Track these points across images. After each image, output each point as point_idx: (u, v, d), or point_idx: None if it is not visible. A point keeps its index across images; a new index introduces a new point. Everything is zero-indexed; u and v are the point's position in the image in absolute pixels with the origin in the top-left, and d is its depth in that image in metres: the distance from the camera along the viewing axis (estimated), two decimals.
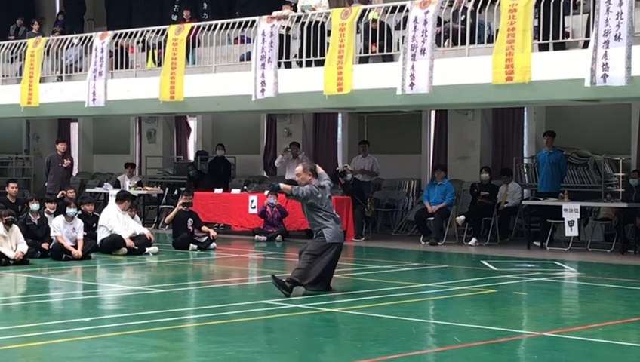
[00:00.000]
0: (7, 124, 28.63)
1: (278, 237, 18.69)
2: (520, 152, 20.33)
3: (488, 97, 15.22)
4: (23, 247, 14.36)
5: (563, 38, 14.58)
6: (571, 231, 16.63)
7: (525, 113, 20.29)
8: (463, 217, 18.46)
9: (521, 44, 14.17)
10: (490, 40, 15.03)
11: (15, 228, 14.45)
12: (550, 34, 14.46)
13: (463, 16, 15.34)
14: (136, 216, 17.16)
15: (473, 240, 18.05)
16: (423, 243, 18.28)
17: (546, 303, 11.50)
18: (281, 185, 11.59)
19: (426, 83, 14.95)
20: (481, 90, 14.83)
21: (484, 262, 15.25)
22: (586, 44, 14.10)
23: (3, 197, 17.23)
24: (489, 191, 18.45)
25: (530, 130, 20.36)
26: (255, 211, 19.34)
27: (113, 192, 18.54)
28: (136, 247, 15.87)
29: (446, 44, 15.86)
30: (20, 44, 21.38)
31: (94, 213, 16.59)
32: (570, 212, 16.52)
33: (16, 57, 21.75)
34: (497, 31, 14.62)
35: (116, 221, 16.09)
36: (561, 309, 11.34)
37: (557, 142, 17.97)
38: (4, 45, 21.81)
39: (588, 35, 14.12)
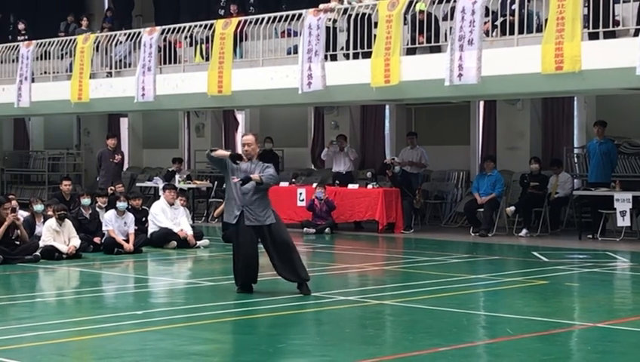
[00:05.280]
0: (58, 120, 28.98)
1: (327, 230, 18.70)
2: (570, 142, 20.12)
3: (538, 87, 15.08)
4: (76, 242, 14.54)
5: (613, 27, 14.40)
6: (623, 222, 16.44)
7: (575, 102, 20.06)
8: (513, 208, 18.33)
9: (570, 32, 14.02)
10: (539, 29, 14.88)
11: (68, 222, 14.63)
12: (600, 22, 14.28)
13: (513, 6, 15.20)
14: (186, 208, 17.26)
15: (524, 231, 17.91)
16: (472, 234, 18.19)
17: (598, 294, 11.39)
18: (252, 175, 10.75)
19: (474, 73, 14.85)
20: (530, 79, 14.71)
21: (535, 253, 15.14)
22: (636, 32, 13.93)
23: (57, 192, 17.46)
24: (539, 181, 18.29)
25: (580, 119, 20.14)
26: (303, 204, 19.36)
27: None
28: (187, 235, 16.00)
29: (494, 34, 15.73)
30: (70, 40, 21.60)
31: (143, 207, 16.74)
32: (622, 202, 16.33)
33: (66, 54, 21.97)
34: (546, 20, 14.47)
35: (162, 215, 16.20)
36: (613, 300, 11.22)
37: (608, 131, 17.74)
38: (54, 42, 22.05)
39: (639, 22, 13.92)
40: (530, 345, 8.40)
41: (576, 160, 19.67)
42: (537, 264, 14.04)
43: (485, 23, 15.34)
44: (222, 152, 11.09)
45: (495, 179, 18.44)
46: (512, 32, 15.17)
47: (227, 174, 10.91)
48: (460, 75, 14.99)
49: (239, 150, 24.56)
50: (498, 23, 15.67)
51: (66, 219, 14.64)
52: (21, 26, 24.75)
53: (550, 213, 18.25)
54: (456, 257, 15.12)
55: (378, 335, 8.98)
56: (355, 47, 16.95)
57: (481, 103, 20.89)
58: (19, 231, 13.99)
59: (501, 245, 16.83)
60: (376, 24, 16.49)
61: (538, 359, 7.89)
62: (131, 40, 20.62)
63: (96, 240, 15.41)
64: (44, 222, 14.81)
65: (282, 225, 11.11)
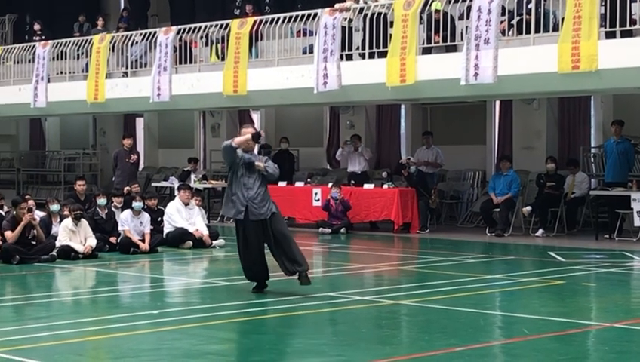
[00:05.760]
0: (74, 120, 29.08)
1: (343, 230, 18.69)
2: (587, 142, 20.04)
3: (554, 86, 15.04)
4: (92, 241, 14.57)
5: (630, 26, 14.32)
6: None
7: (592, 102, 19.99)
8: (529, 208, 18.27)
9: (587, 31, 13.97)
10: (556, 28, 14.83)
11: (84, 222, 14.67)
12: (617, 21, 14.22)
13: (529, 5, 15.15)
14: (201, 208, 17.28)
15: (540, 231, 17.85)
16: (488, 234, 18.14)
17: (615, 294, 11.34)
18: (257, 163, 10.75)
19: (491, 73, 14.81)
20: (546, 79, 14.66)
21: (551, 253, 15.08)
22: None
23: (73, 192, 17.51)
24: (555, 181, 18.23)
25: (597, 119, 20.06)
26: (319, 204, 19.35)
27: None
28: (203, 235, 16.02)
29: (511, 33, 15.69)
30: (86, 40, 21.66)
31: (159, 207, 16.76)
32: (639, 202, 16.24)
33: (82, 54, 22.04)
34: (563, 19, 14.42)
35: (177, 215, 16.22)
36: (631, 300, 11.17)
37: (625, 131, 17.66)
38: (70, 42, 22.12)
39: None
40: (546, 345, 8.36)
41: (592, 159, 19.59)
42: (554, 264, 13.99)
43: (501, 22, 15.30)
44: (243, 137, 10.83)
45: (511, 178, 18.39)
46: (528, 31, 15.13)
47: (234, 168, 10.80)
48: (476, 75, 14.96)
49: (255, 150, 24.68)
50: (514, 22, 15.63)
51: (82, 219, 14.68)
52: (37, 27, 24.85)
53: (567, 212, 18.18)
54: (472, 257, 15.08)
55: (394, 335, 8.96)
56: (370, 47, 16.93)
57: (497, 103, 20.84)
58: (35, 231, 14.03)
59: (517, 245, 16.77)
60: (392, 23, 16.47)
61: (555, 359, 7.86)
62: (147, 40, 20.66)
63: (112, 240, 15.44)
64: (60, 222, 14.85)
65: (281, 216, 11.08)
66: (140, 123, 27.84)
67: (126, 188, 17.90)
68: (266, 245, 10.95)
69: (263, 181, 10.82)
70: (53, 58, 22.38)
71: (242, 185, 10.72)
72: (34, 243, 14.04)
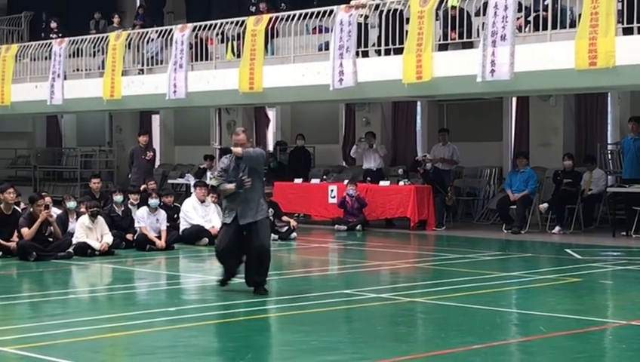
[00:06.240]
0: (90, 117, 29.16)
1: (359, 227, 18.67)
2: (604, 138, 19.95)
3: (571, 83, 14.97)
4: (108, 238, 14.61)
5: None
6: None
7: (609, 98, 19.89)
8: (546, 205, 18.20)
9: (604, 28, 13.89)
10: (573, 25, 14.76)
11: (100, 219, 14.71)
12: (634, 17, 14.13)
13: (546, 2, 15.08)
14: (217, 205, 17.28)
15: (557, 228, 17.78)
16: (505, 231, 18.09)
17: (632, 292, 11.29)
18: (243, 180, 10.52)
19: (507, 69, 14.75)
20: (563, 75, 14.59)
21: (568, 251, 15.03)
22: None
23: (89, 189, 17.56)
24: (572, 178, 18.15)
25: (614, 115, 19.96)
26: (335, 201, 19.35)
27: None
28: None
29: (527, 29, 15.62)
30: (102, 38, 21.70)
31: (175, 204, 16.79)
32: None
33: (98, 51, 22.08)
34: (580, 15, 14.35)
35: (193, 212, 16.24)
36: None
37: None
38: (86, 39, 22.17)
39: None
40: (563, 342, 8.34)
41: (609, 156, 19.50)
42: (570, 261, 13.94)
43: (518, 18, 15.24)
44: (229, 186, 10.68)
45: (528, 175, 18.33)
46: (545, 28, 15.05)
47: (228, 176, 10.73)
48: (493, 71, 14.90)
49: (270, 147, 24.72)
50: (531, 18, 15.56)
51: (99, 216, 14.72)
52: (53, 24, 24.91)
53: (583, 209, 18.11)
54: (489, 254, 15.04)
55: (410, 332, 8.95)
56: (386, 44, 16.89)
57: (514, 99, 20.77)
58: (52, 228, 14.09)
59: (534, 242, 16.72)
60: (407, 20, 16.42)
61: (571, 357, 7.83)
62: (163, 37, 20.68)
63: (129, 236, 15.48)
64: (76, 218, 14.90)
65: (266, 226, 10.83)
66: (155, 120, 27.89)
67: (142, 186, 17.94)
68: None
69: (254, 186, 10.61)
70: (70, 55, 22.42)
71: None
72: (51, 240, 14.09)
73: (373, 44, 17.53)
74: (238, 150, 10.65)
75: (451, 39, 16.34)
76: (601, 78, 14.27)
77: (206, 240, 15.96)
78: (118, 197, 15.81)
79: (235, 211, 10.64)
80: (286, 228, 17.04)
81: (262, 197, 10.82)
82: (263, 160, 10.99)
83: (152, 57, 21.15)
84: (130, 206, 16.11)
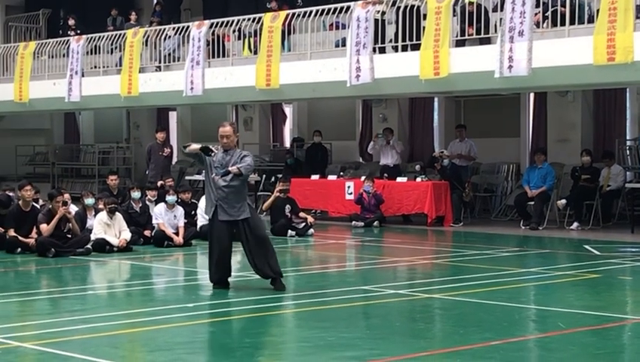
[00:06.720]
0: (108, 114, 29.25)
1: (376, 223, 18.65)
2: (622, 134, 19.86)
3: (589, 78, 14.91)
4: (127, 235, 14.66)
5: None
6: None
7: (628, 94, 19.80)
8: (564, 201, 18.13)
9: (622, 23, 13.83)
10: (591, 20, 14.70)
11: (118, 216, 14.76)
12: None
13: None
14: None
15: (575, 224, 17.72)
16: (523, 227, 18.04)
17: None
18: (230, 168, 10.46)
19: (525, 65, 14.72)
20: (581, 71, 14.54)
21: (586, 247, 14.97)
22: None
23: (106, 186, 17.61)
24: (590, 174, 18.08)
25: (632, 111, 19.86)
26: (352, 197, 19.33)
27: None
28: None
29: (545, 25, 15.57)
30: (120, 35, 21.77)
31: (192, 200, 16.81)
32: None
33: (115, 48, 22.15)
34: (598, 10, 14.29)
35: None
36: None
37: None
38: (104, 36, 22.24)
39: None
40: (582, 339, 8.30)
41: (628, 152, 19.40)
42: (589, 257, 13.88)
43: (536, 14, 15.19)
44: (194, 146, 10.72)
45: (546, 171, 18.27)
46: (563, 23, 15.00)
47: (206, 168, 10.69)
48: (511, 67, 14.87)
49: (287, 144, 24.73)
50: (549, 13, 15.50)
51: (117, 213, 14.77)
52: (71, 22, 24.99)
53: (602, 205, 18.04)
54: (507, 251, 15.00)
55: (428, 329, 8.93)
56: (403, 40, 16.87)
57: (531, 95, 20.71)
58: (70, 224, 14.14)
59: (552, 238, 16.67)
60: (425, 16, 16.40)
61: (591, 353, 7.79)
62: (180, 34, 20.73)
63: (147, 233, 15.52)
64: (95, 215, 14.95)
65: (258, 219, 10.90)
66: (173, 116, 27.96)
67: (160, 182, 17.98)
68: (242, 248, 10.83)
69: (236, 182, 10.57)
70: (87, 52, 22.51)
71: (212, 185, 10.59)
72: (69, 236, 14.15)
73: (390, 40, 17.51)
74: (234, 170, 10.48)
75: (469, 35, 16.31)
76: (619, 73, 14.22)
77: None
78: (135, 194, 15.86)
79: (209, 205, 10.60)
80: (303, 224, 17.05)
81: (247, 200, 10.76)
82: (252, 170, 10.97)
83: (169, 54, 21.21)
84: (147, 202, 16.15)
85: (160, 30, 21.31)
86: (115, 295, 11.49)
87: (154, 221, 15.54)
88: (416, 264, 13.69)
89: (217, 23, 19.94)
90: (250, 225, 10.61)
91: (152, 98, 21.22)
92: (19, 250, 14.26)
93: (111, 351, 7.87)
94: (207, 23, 19.91)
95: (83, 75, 21.96)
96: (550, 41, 14.96)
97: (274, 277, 10.70)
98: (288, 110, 25.70)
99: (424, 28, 16.26)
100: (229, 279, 10.95)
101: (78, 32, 23.83)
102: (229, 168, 10.51)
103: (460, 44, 16.39)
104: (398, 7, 16.99)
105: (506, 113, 21.38)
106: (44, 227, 13.96)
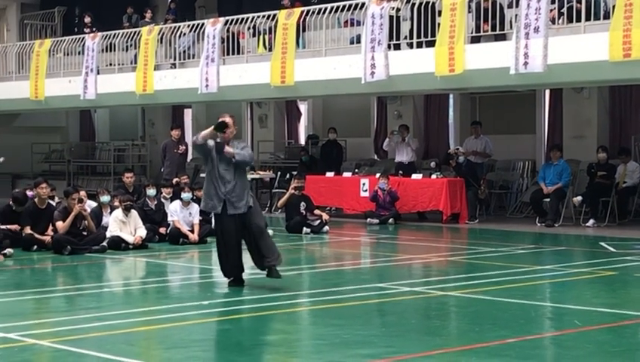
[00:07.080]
0: (123, 112, 29.32)
1: (391, 220, 18.63)
2: (638, 131, 19.77)
3: (605, 75, 14.84)
4: (142, 232, 14.69)
5: None
6: None
7: None
8: (580, 198, 18.07)
9: (639, 19, 13.75)
10: (607, 16, 14.63)
11: (134, 213, 14.79)
12: None
13: None
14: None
15: (591, 221, 17.66)
16: (538, 224, 17.99)
17: None
18: (226, 148, 10.44)
19: (541, 61, 14.66)
20: (597, 67, 14.47)
21: (602, 244, 14.91)
22: None
23: (121, 183, 17.64)
24: (606, 170, 18.02)
25: None
26: (367, 194, 19.32)
27: None
28: None
29: (561, 21, 15.50)
30: (134, 32, 21.80)
31: None
32: None
33: (130, 45, 22.19)
34: (614, 7, 14.22)
35: None
36: None
37: None
38: (119, 34, 22.28)
39: None
40: (598, 336, 8.27)
41: None
42: (605, 254, 13.83)
43: (551, 10, 15.13)
44: (207, 131, 10.63)
45: (561, 168, 18.21)
46: (578, 20, 14.93)
47: (210, 160, 10.63)
48: (526, 64, 14.81)
49: (302, 141, 24.70)
50: (564, 10, 15.44)
51: (132, 210, 14.80)
52: (87, 19, 25.06)
53: (618, 202, 17.97)
54: (522, 248, 14.96)
55: (444, 326, 8.91)
56: (418, 36, 16.84)
57: (547, 92, 20.64)
58: (86, 221, 14.18)
59: (568, 235, 16.61)
60: (440, 12, 16.35)
61: (607, 351, 7.76)
62: (195, 31, 20.74)
63: (162, 230, 15.55)
64: (110, 212, 14.98)
65: (258, 208, 10.89)
66: (188, 114, 27.99)
67: (175, 179, 18.00)
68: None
69: (240, 174, 10.63)
70: (103, 50, 22.56)
71: (219, 179, 10.57)
72: (85, 233, 14.19)
73: (405, 37, 17.47)
74: (230, 151, 10.51)
75: (484, 31, 16.25)
76: (635, 69, 14.15)
77: None
78: (151, 191, 15.89)
79: (217, 200, 10.56)
80: (318, 221, 17.04)
81: (249, 191, 10.78)
82: (250, 162, 11.04)
83: (184, 52, 21.23)
84: (163, 200, 16.18)
85: (175, 28, 21.34)
86: (131, 292, 11.51)
87: (169, 218, 15.57)
88: (431, 261, 13.67)
89: (232, 20, 19.95)
90: (249, 215, 10.58)
91: (167, 95, 21.25)
92: (35, 247, 14.30)
93: (127, 348, 7.89)
94: (221, 20, 19.92)
95: (98, 73, 22.01)
96: (566, 38, 14.90)
97: (267, 266, 10.62)
98: (303, 107, 25.70)
99: (439, 24, 16.21)
100: (244, 276, 10.94)
101: (94, 29, 23.89)
102: (226, 148, 10.50)
103: (475, 40, 16.34)
104: (413, 4, 16.95)
105: (521, 110, 21.32)
106: (59, 224, 14.00)
